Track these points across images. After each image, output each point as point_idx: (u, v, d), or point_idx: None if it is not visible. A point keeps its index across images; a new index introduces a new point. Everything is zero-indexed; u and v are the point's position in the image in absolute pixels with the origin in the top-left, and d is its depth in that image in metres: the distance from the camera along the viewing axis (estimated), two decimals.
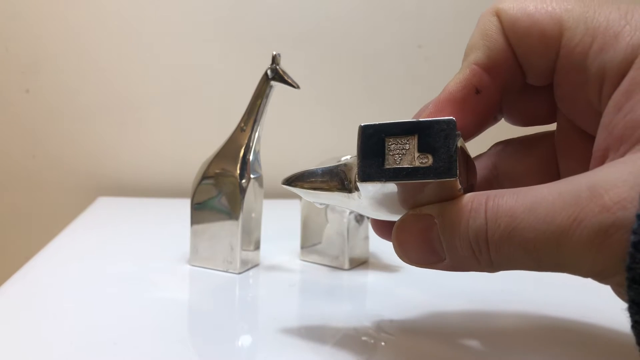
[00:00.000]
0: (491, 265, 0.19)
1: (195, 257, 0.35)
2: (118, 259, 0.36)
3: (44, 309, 0.28)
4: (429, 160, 0.19)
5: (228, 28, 0.59)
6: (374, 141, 0.20)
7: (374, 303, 0.31)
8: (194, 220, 0.35)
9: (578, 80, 0.20)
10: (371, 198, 0.21)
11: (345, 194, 0.22)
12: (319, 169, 0.23)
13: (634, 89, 0.18)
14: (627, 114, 0.18)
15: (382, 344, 0.25)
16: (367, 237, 0.37)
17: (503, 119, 0.25)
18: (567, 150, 0.22)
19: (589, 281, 0.19)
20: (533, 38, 0.20)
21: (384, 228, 0.24)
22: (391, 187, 0.20)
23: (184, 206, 0.37)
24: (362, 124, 0.20)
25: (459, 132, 0.19)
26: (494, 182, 0.25)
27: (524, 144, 0.25)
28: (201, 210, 0.34)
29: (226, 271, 0.34)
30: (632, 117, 0.17)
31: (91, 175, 0.60)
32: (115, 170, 0.60)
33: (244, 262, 0.34)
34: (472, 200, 0.19)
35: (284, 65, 0.33)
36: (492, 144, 0.26)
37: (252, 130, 0.34)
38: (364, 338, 0.26)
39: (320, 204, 0.25)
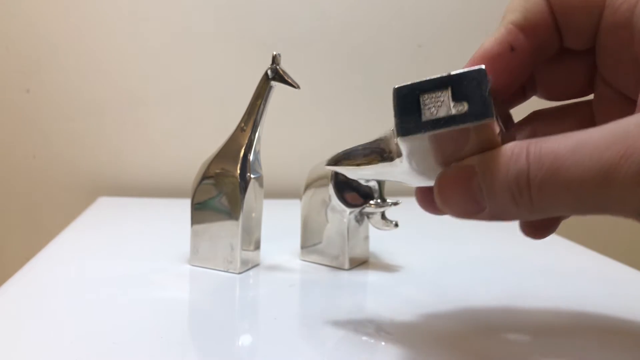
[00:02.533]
0: (531, 208, 0.19)
1: (196, 257, 0.35)
2: (119, 259, 0.36)
3: (45, 309, 0.28)
4: (464, 108, 0.19)
5: (229, 28, 0.59)
6: (409, 100, 0.20)
7: (374, 303, 0.31)
8: (195, 220, 0.35)
9: (624, 39, 0.19)
10: (412, 158, 0.21)
11: (388, 163, 0.23)
12: (359, 146, 0.25)
13: None
14: None
15: (382, 343, 0.25)
16: (367, 237, 0.37)
17: (535, 95, 0.24)
18: (608, 117, 0.21)
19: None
20: None
21: (428, 198, 0.24)
22: (431, 141, 0.20)
23: (185, 206, 0.37)
24: (396, 86, 0.21)
25: (490, 77, 0.19)
26: None
27: (561, 111, 0.25)
28: (201, 210, 0.34)
29: (226, 271, 0.34)
30: None
31: (92, 175, 0.60)
32: (115, 171, 0.60)
33: (244, 262, 0.34)
34: (513, 147, 0.19)
35: (284, 66, 0.33)
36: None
37: (253, 130, 0.34)
38: (364, 338, 0.26)
39: (366, 180, 0.25)
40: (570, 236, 0.45)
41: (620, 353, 0.25)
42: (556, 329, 0.28)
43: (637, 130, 0.16)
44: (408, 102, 0.20)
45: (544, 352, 0.25)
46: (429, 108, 0.20)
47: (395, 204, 0.35)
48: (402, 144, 0.20)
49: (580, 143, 0.17)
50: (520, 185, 0.18)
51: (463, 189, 0.20)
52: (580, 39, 0.21)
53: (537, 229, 0.25)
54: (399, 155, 0.21)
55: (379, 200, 0.35)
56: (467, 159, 0.20)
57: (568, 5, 0.21)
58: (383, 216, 0.35)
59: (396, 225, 0.35)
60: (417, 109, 0.20)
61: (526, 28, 0.22)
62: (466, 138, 0.19)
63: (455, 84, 0.19)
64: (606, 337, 0.27)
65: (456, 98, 0.19)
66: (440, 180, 0.21)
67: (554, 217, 0.24)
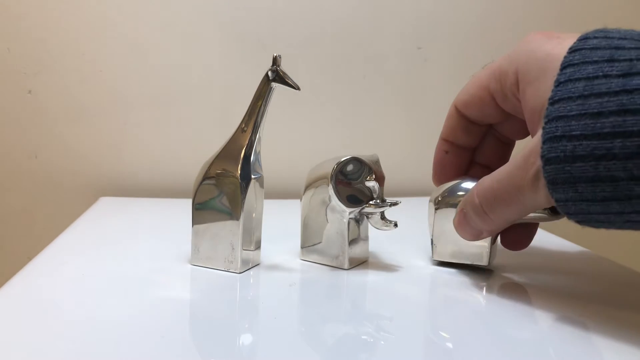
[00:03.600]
0: (491, 221, 0.31)
1: (197, 256, 0.35)
2: (120, 259, 0.37)
3: (46, 309, 0.28)
4: None
5: (229, 30, 0.59)
6: None
7: (374, 303, 0.32)
8: (195, 220, 0.35)
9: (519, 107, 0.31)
10: None
11: None
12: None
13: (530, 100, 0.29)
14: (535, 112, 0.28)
15: (382, 343, 0.26)
16: (367, 237, 0.37)
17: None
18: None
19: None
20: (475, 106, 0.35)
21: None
22: None
23: (185, 206, 0.37)
24: None
25: None
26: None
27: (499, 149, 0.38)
28: (202, 211, 0.35)
29: (227, 271, 0.34)
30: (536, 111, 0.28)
31: (93, 176, 0.60)
32: (117, 171, 0.60)
33: (244, 262, 0.34)
34: (471, 190, 0.33)
35: (285, 67, 0.33)
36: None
37: (253, 131, 0.34)
38: (363, 337, 0.26)
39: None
40: (570, 236, 0.45)
41: (621, 353, 0.25)
42: (556, 327, 0.28)
43: (523, 158, 0.28)
44: None
45: (544, 350, 0.25)
46: None
47: (395, 204, 0.35)
48: None
49: (500, 174, 0.30)
50: (475, 206, 0.32)
51: (464, 225, 0.34)
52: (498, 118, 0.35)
53: (514, 242, 0.35)
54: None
55: (378, 201, 0.35)
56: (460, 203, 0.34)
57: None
58: (383, 216, 0.35)
59: (395, 225, 0.35)
60: None
61: (449, 136, 0.37)
62: None
63: None
64: (607, 337, 0.27)
65: None
66: (454, 221, 0.34)
67: (524, 232, 0.35)
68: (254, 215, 0.35)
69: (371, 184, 0.35)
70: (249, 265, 0.35)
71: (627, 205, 0.23)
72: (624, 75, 0.23)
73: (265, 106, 0.34)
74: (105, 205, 0.54)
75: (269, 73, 0.33)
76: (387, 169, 0.36)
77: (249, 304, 0.31)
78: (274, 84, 0.33)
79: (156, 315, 0.28)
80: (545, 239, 0.45)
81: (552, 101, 0.25)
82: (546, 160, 0.25)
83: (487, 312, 0.30)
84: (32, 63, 0.57)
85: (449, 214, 0.36)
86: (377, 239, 0.39)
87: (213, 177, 0.34)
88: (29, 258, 0.36)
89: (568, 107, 0.25)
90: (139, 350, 0.24)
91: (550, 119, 0.25)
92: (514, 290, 0.34)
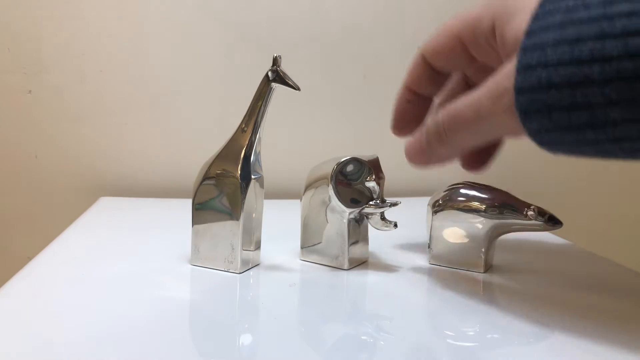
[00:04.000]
0: (447, 142, 0.30)
1: (197, 256, 0.35)
2: (120, 259, 0.37)
3: (46, 309, 0.28)
4: None
5: (229, 30, 0.59)
6: None
7: (373, 303, 0.32)
8: (195, 221, 0.35)
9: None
10: None
11: None
12: None
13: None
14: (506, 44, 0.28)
15: (382, 343, 0.26)
16: (366, 237, 0.37)
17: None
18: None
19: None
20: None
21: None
22: None
23: (186, 206, 0.37)
24: None
25: None
26: None
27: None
28: (202, 211, 0.35)
29: (227, 271, 0.34)
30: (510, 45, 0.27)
31: (93, 176, 0.60)
32: (117, 171, 0.60)
33: (244, 262, 0.34)
34: (436, 113, 0.31)
35: (285, 67, 0.33)
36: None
37: (253, 131, 0.34)
38: (363, 338, 0.26)
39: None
40: (571, 236, 0.46)
41: (621, 353, 0.25)
42: (556, 328, 0.28)
43: (494, 83, 0.27)
44: None
45: (543, 350, 0.25)
46: None
47: (395, 204, 0.35)
48: None
49: (467, 99, 0.28)
50: (439, 130, 0.30)
51: (418, 148, 0.32)
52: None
53: (474, 162, 0.34)
54: None
55: (378, 201, 0.35)
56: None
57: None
58: (382, 217, 0.35)
59: (395, 225, 0.35)
60: None
61: (413, 84, 0.36)
62: None
63: None
64: (606, 337, 0.27)
65: None
66: (406, 145, 0.33)
67: (484, 151, 0.34)
68: (253, 215, 0.35)
69: (371, 184, 0.35)
70: (249, 265, 0.35)
71: (601, 133, 0.23)
72: (604, 3, 0.23)
73: (265, 106, 0.34)
74: (105, 205, 0.54)
75: (269, 73, 0.33)
76: (387, 170, 0.36)
77: (249, 304, 0.31)
78: (274, 85, 0.33)
79: (156, 315, 0.28)
80: (545, 239, 0.45)
81: (528, 32, 0.25)
82: (519, 89, 0.25)
83: (486, 312, 0.30)
84: (32, 63, 0.57)
85: (447, 218, 0.36)
86: (377, 239, 0.39)
87: (213, 177, 0.34)
88: (29, 258, 0.36)
89: (545, 37, 0.24)
90: (139, 350, 0.24)
91: (525, 49, 0.25)
92: (514, 291, 0.34)
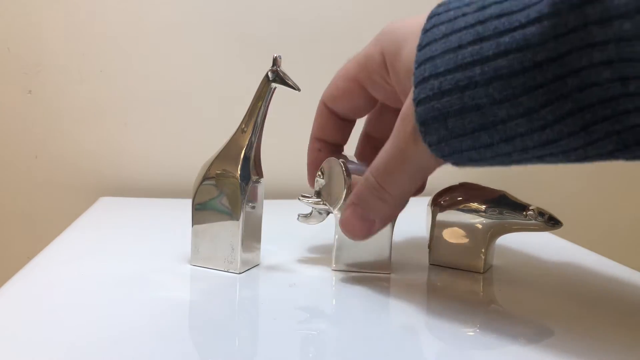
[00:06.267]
0: (389, 195, 0.29)
1: (196, 257, 0.35)
2: (119, 259, 0.37)
3: (46, 309, 0.28)
4: None
5: (229, 30, 0.59)
6: None
7: (371, 304, 0.32)
8: (195, 221, 0.35)
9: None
10: None
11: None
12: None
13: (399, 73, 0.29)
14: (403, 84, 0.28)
15: (382, 343, 0.26)
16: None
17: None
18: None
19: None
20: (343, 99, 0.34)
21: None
22: None
23: (185, 206, 0.37)
24: None
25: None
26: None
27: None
28: (202, 211, 0.35)
29: (227, 271, 0.34)
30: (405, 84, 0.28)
31: (93, 176, 0.60)
32: (117, 171, 0.60)
33: (244, 262, 0.34)
34: (363, 176, 0.30)
35: (285, 67, 0.33)
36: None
37: (253, 131, 0.34)
38: (363, 338, 0.26)
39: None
40: (571, 236, 0.46)
41: (621, 353, 0.25)
42: (556, 330, 0.28)
43: (400, 120, 0.27)
44: None
45: (543, 349, 0.26)
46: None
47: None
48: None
49: (386, 145, 0.29)
50: (374, 187, 0.29)
51: (355, 217, 0.31)
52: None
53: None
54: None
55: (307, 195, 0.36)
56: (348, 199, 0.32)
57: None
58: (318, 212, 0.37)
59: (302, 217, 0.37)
60: None
61: (320, 134, 0.38)
62: None
63: None
64: (606, 338, 0.27)
65: None
66: (341, 223, 0.32)
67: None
68: (253, 215, 0.35)
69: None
70: (249, 265, 0.35)
71: (494, 134, 0.24)
72: (479, 9, 0.24)
73: (265, 107, 0.34)
74: (105, 205, 0.54)
75: (269, 74, 0.33)
76: None
77: (249, 304, 0.31)
78: (274, 85, 0.33)
79: (156, 315, 0.28)
80: (545, 239, 0.45)
81: (420, 47, 0.26)
82: (417, 102, 0.26)
83: (487, 312, 0.30)
84: (32, 63, 0.57)
85: (447, 218, 0.36)
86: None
87: (213, 177, 0.34)
88: (29, 258, 0.36)
89: (433, 48, 0.25)
90: (139, 350, 0.24)
91: (419, 64, 0.26)
92: (514, 291, 0.34)
